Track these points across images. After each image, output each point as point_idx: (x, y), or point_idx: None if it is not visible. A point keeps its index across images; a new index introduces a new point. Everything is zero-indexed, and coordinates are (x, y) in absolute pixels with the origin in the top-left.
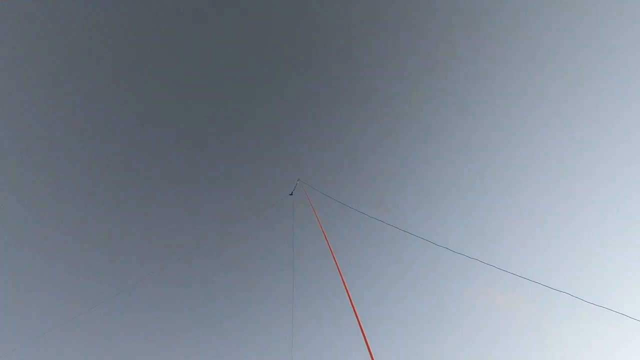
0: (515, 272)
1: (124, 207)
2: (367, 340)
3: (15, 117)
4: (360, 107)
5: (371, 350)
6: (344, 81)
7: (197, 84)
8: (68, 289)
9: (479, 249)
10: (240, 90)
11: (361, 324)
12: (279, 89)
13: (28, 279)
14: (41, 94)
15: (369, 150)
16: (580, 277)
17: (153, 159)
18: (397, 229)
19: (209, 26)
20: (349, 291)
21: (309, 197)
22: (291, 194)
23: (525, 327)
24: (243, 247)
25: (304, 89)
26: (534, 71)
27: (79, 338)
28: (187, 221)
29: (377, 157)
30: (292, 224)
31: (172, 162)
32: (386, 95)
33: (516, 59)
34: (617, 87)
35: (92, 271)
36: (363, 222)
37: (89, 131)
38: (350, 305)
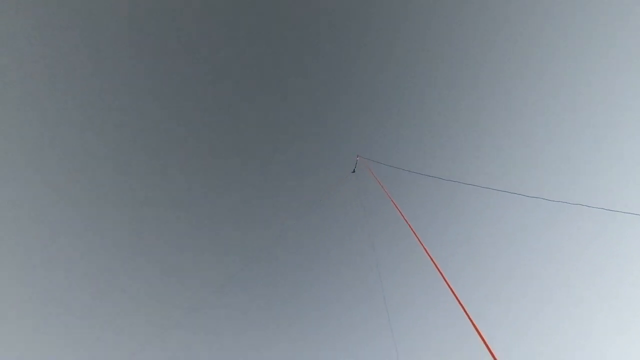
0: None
1: (194, 207)
2: (466, 308)
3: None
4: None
5: (472, 318)
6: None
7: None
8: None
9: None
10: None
11: (457, 295)
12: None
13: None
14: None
15: (421, 110)
16: None
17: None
18: (477, 186)
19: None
20: (434, 260)
21: (372, 172)
22: (353, 172)
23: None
24: (316, 234)
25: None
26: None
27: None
28: (251, 215)
29: (432, 118)
30: (361, 202)
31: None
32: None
33: None
34: None
35: (181, 271)
36: (433, 187)
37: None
38: (440, 275)
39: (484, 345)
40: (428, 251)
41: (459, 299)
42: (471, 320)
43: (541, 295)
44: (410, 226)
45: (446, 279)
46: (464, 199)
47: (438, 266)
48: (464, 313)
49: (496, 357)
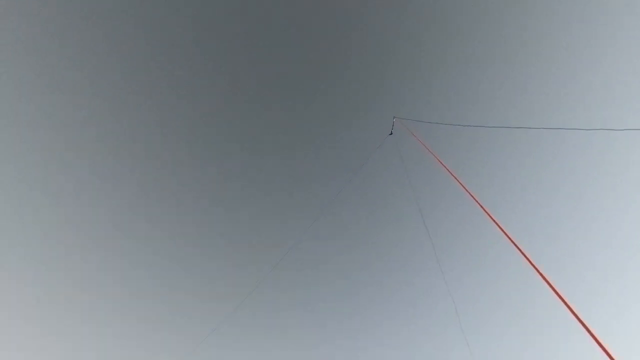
0: None
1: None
2: (532, 260)
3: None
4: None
5: (540, 270)
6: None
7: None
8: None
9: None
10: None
11: (519, 247)
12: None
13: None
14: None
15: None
16: None
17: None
18: (528, 128)
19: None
20: (490, 213)
21: (412, 132)
22: (391, 134)
23: None
24: (361, 204)
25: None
26: None
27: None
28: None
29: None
30: (403, 164)
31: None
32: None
33: None
34: None
35: (231, 262)
36: (475, 138)
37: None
38: (499, 228)
39: (555, 294)
40: (485, 208)
41: (522, 251)
42: (539, 271)
43: (620, 236)
44: (459, 181)
45: (506, 231)
46: (513, 145)
47: (497, 221)
48: (531, 265)
49: (570, 304)
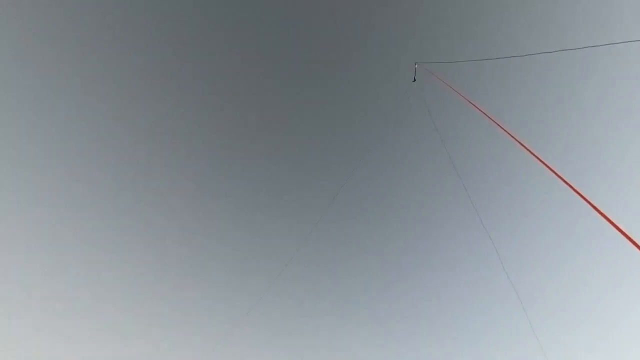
0: None
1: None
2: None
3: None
4: None
5: (595, 206)
6: None
7: None
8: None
9: None
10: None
11: (571, 184)
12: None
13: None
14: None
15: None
16: None
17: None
18: (564, 51)
19: None
20: (532, 151)
21: (437, 76)
22: (414, 81)
23: None
24: (392, 162)
25: None
26: None
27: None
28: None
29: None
30: (428, 111)
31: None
32: None
33: None
34: None
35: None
36: (505, 72)
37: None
38: (543, 165)
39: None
40: (532, 150)
41: (581, 193)
42: (600, 212)
43: None
44: (495, 121)
45: (561, 175)
46: (549, 72)
47: (548, 164)
48: (590, 206)
49: (626, 233)
